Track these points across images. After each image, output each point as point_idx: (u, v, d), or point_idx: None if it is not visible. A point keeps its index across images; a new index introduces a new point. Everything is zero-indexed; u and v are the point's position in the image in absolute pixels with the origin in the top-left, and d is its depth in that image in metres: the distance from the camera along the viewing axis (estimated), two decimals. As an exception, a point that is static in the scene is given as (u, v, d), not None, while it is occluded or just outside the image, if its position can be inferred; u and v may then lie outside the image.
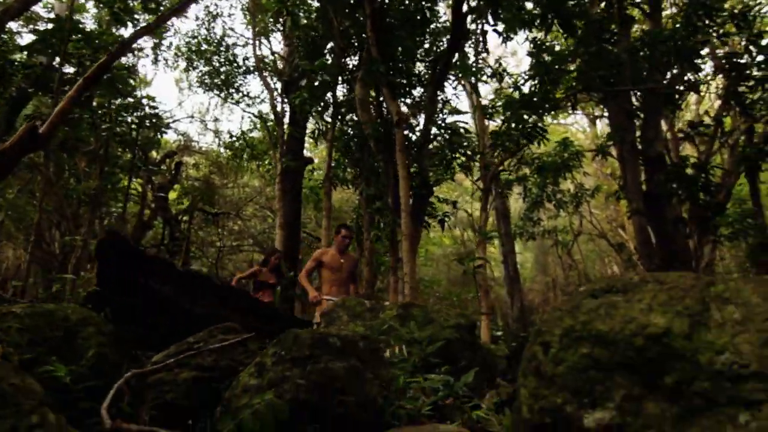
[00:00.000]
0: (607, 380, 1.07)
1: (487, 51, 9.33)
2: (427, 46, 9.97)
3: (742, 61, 7.71)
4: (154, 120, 9.90)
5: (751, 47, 7.40)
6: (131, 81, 9.96)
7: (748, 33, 7.13)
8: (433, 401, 1.96)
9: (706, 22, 7.30)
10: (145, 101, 9.87)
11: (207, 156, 14.10)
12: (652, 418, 1.02)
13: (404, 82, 9.46)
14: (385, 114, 8.22)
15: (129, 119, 9.92)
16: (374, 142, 8.19)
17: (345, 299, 3.05)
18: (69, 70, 8.69)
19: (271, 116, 11.15)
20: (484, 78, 10.03)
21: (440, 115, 8.75)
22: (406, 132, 8.36)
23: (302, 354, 1.62)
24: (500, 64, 10.84)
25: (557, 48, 8.72)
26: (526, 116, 7.31)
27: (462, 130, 8.31)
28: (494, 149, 8.09)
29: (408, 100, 9.71)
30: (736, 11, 7.56)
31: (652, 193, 8.20)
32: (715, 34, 7.03)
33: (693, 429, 0.97)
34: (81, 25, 8.73)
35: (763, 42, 7.48)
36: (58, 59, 8.07)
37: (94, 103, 9.47)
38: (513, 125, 7.28)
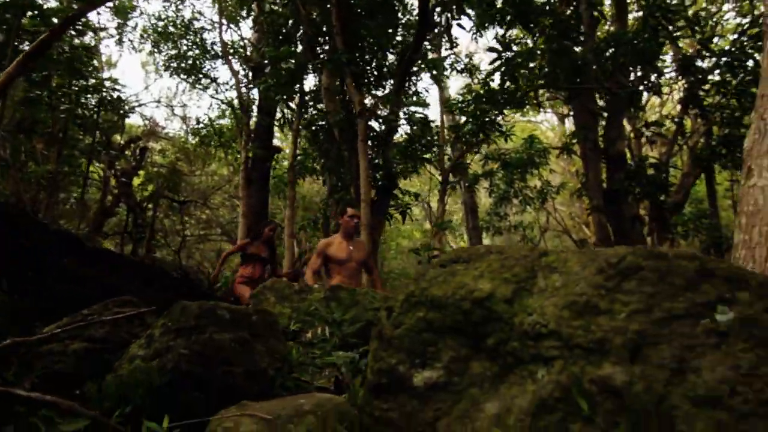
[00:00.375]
0: (439, 342, 1.12)
1: (452, 45, 9.39)
2: (399, 38, 9.98)
3: (703, 64, 7.94)
4: (116, 103, 9.66)
5: (704, 51, 7.62)
6: (93, 62, 9.69)
7: (700, 37, 7.35)
8: (334, 376, 2.00)
9: (668, 27, 7.49)
10: (108, 83, 9.62)
11: (174, 142, 13.86)
12: (476, 377, 1.08)
13: (375, 73, 9.46)
14: (351, 104, 8.22)
15: (91, 101, 9.66)
16: (339, 131, 8.18)
17: (274, 281, 3.06)
18: (26, 47, 8.42)
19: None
20: (454, 72, 10.11)
21: (405, 107, 8.79)
22: (372, 123, 8.37)
23: (188, 324, 1.63)
24: (471, 59, 10.95)
25: (529, 44, 8.84)
26: (487, 111, 7.42)
27: (422, 123, 8.36)
28: (457, 142, 8.19)
29: (379, 92, 9.71)
30: (693, 16, 7.78)
31: (612, 191, 8.40)
32: (666, 38, 7.23)
33: (504, 385, 1.03)
34: (38, 2, 8.45)
35: (726, 47, 7.71)
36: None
37: (54, 84, 9.19)
38: (471, 119, 7.39)
